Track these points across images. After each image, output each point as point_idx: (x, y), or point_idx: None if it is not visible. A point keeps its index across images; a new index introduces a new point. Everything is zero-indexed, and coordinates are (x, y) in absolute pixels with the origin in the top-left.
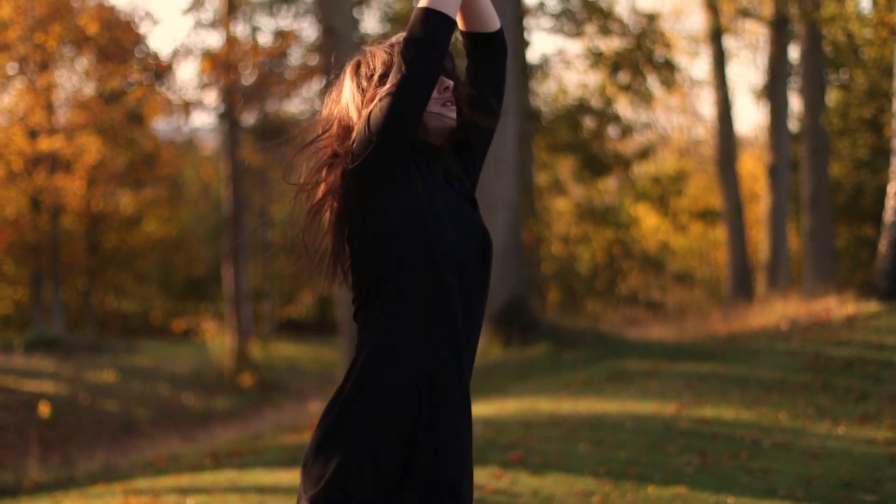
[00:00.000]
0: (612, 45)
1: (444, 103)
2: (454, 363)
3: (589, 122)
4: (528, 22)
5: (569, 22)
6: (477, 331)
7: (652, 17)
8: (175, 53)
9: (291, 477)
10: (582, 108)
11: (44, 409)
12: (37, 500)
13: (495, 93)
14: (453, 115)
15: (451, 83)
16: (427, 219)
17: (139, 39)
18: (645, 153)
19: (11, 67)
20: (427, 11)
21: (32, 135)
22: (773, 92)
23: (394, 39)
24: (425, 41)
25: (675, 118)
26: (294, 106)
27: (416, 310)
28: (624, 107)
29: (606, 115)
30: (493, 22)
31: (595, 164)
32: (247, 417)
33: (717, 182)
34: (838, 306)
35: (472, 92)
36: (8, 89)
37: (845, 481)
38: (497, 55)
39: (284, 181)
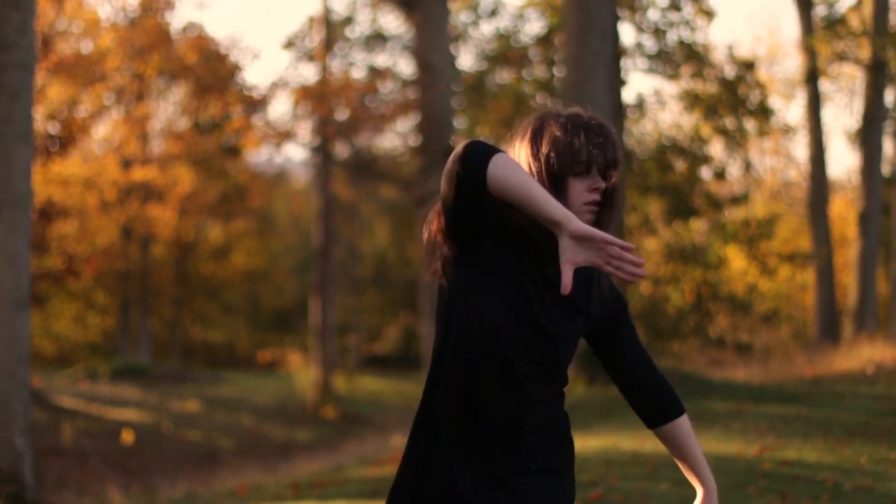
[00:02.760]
0: (708, 88)
1: (585, 203)
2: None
3: (681, 164)
4: (626, 62)
5: (665, 64)
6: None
7: (749, 65)
8: (272, 87)
9: None
10: (675, 148)
11: (127, 437)
12: None
13: None
14: (585, 219)
15: (601, 185)
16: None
17: (236, 71)
18: (738, 200)
19: (108, 97)
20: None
21: (126, 164)
22: (868, 136)
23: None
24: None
25: (769, 160)
26: (388, 140)
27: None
28: (718, 149)
29: (699, 157)
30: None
31: (684, 207)
32: (329, 449)
33: (808, 225)
34: None
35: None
36: (104, 119)
37: None
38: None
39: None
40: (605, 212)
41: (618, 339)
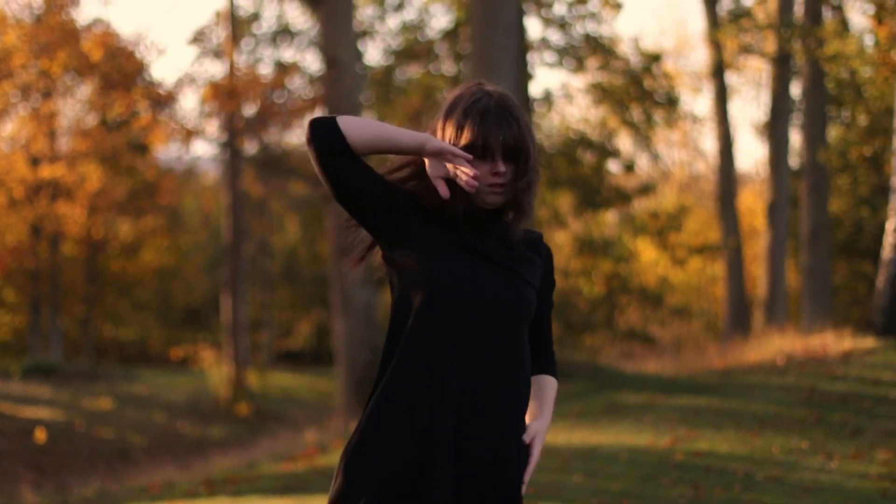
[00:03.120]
0: (615, 81)
1: (489, 185)
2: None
3: (590, 157)
4: (532, 56)
5: (571, 58)
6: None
7: (655, 57)
8: (179, 83)
9: None
10: (583, 142)
11: (39, 436)
12: None
13: None
14: (490, 200)
15: (502, 170)
16: (431, 270)
17: (142, 68)
18: (646, 189)
19: (14, 95)
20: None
21: (34, 162)
22: (774, 128)
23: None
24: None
25: (677, 153)
26: (295, 136)
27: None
28: (625, 142)
29: (607, 150)
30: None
31: (594, 199)
32: (242, 446)
33: (717, 217)
34: (835, 342)
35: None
36: (11, 117)
37: None
38: None
39: None
40: (518, 192)
41: (539, 306)
